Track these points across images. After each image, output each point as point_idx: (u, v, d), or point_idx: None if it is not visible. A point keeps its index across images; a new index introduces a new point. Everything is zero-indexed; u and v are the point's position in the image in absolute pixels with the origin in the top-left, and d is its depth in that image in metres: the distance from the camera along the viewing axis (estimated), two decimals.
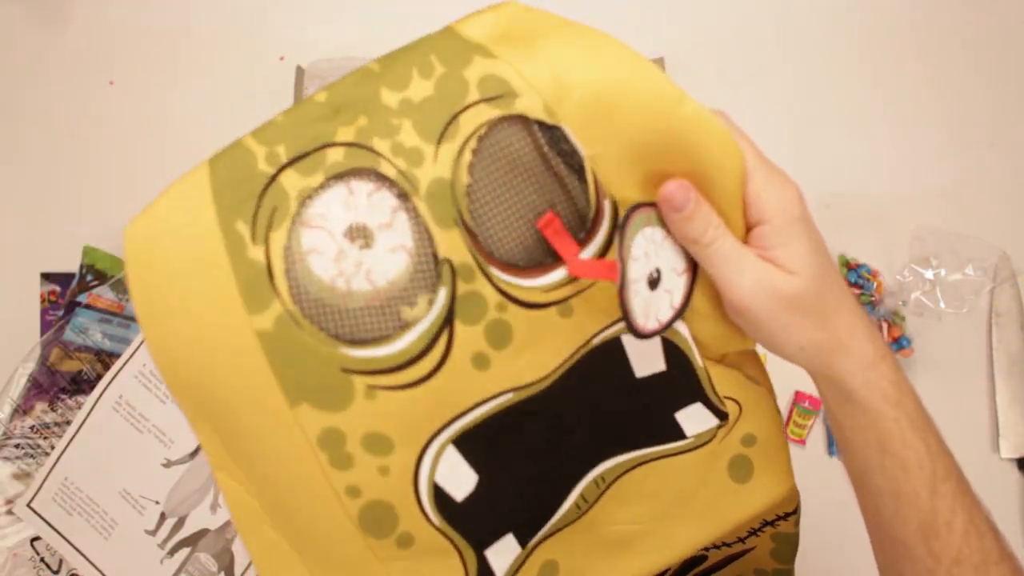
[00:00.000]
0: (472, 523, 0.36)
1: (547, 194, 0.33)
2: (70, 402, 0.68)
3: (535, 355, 0.35)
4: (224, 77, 0.74)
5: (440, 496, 0.35)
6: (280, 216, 0.31)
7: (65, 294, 0.71)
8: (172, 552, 0.65)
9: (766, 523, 0.47)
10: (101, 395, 0.65)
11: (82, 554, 0.65)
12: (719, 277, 0.36)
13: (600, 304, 0.36)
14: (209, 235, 0.31)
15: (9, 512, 0.67)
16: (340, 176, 0.31)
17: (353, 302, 0.32)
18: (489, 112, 0.32)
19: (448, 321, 0.33)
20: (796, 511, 0.46)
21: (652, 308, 0.36)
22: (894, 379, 0.37)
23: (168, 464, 0.65)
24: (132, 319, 0.69)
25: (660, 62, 0.74)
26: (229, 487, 0.34)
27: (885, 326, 0.72)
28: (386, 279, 0.32)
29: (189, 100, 0.74)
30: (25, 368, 0.68)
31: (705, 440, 0.41)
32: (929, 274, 0.69)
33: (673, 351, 0.39)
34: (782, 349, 0.37)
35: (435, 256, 0.32)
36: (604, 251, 0.35)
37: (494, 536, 0.37)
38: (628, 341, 0.38)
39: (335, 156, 0.32)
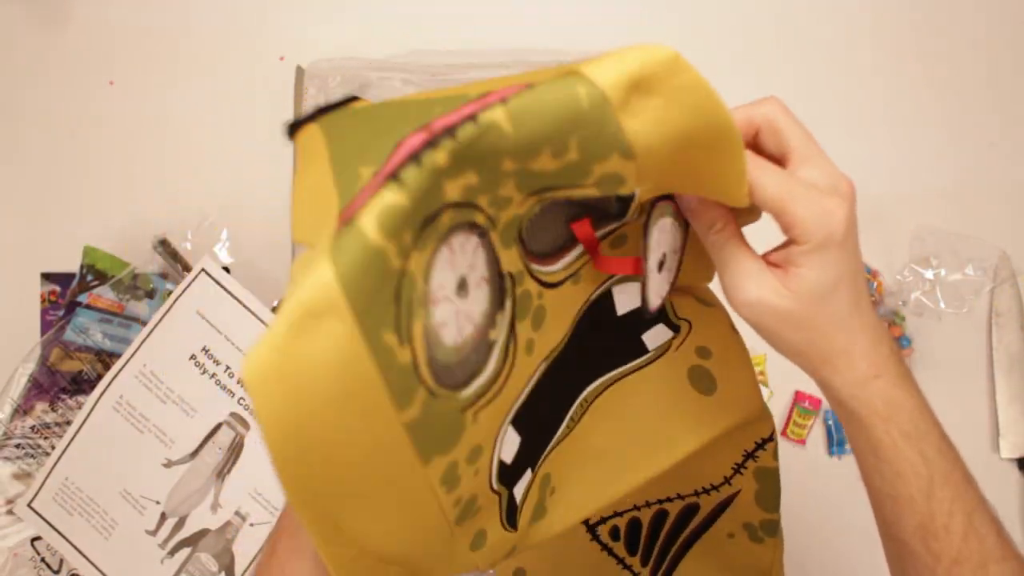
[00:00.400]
0: (513, 474, 0.41)
1: (591, 208, 0.36)
2: (70, 402, 0.68)
3: (557, 323, 0.39)
4: (224, 77, 0.74)
5: (501, 468, 0.39)
6: (417, 306, 0.29)
7: (65, 294, 0.71)
8: (172, 552, 0.65)
9: (747, 455, 0.50)
10: (101, 395, 0.65)
11: (82, 554, 0.66)
12: (726, 280, 0.38)
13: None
14: (358, 361, 0.27)
15: (10, 512, 0.67)
16: (443, 238, 0.30)
17: (465, 350, 0.32)
18: (592, 192, 0.32)
19: (511, 329, 0.35)
20: (772, 438, 0.49)
21: (659, 287, 0.40)
22: (887, 396, 0.38)
23: (168, 464, 0.65)
24: (132, 319, 0.69)
25: None
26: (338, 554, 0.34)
27: (885, 326, 0.72)
28: (480, 313, 0.33)
29: (189, 100, 0.74)
30: (25, 368, 0.68)
31: (662, 351, 0.46)
32: (929, 274, 0.69)
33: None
34: (780, 347, 0.39)
35: (501, 275, 0.34)
36: (614, 231, 0.39)
37: (521, 475, 0.42)
38: (616, 290, 0.42)
39: (446, 220, 0.29)
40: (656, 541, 0.58)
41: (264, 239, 0.71)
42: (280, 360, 0.26)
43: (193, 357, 0.65)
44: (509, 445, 0.39)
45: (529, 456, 0.42)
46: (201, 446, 0.65)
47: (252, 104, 0.73)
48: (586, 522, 0.57)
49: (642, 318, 0.43)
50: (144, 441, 0.65)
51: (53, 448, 0.66)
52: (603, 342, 0.44)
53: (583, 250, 0.38)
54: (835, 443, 0.73)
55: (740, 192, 0.35)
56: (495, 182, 0.30)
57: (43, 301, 0.72)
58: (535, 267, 0.36)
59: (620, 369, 0.46)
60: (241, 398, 0.65)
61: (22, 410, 0.67)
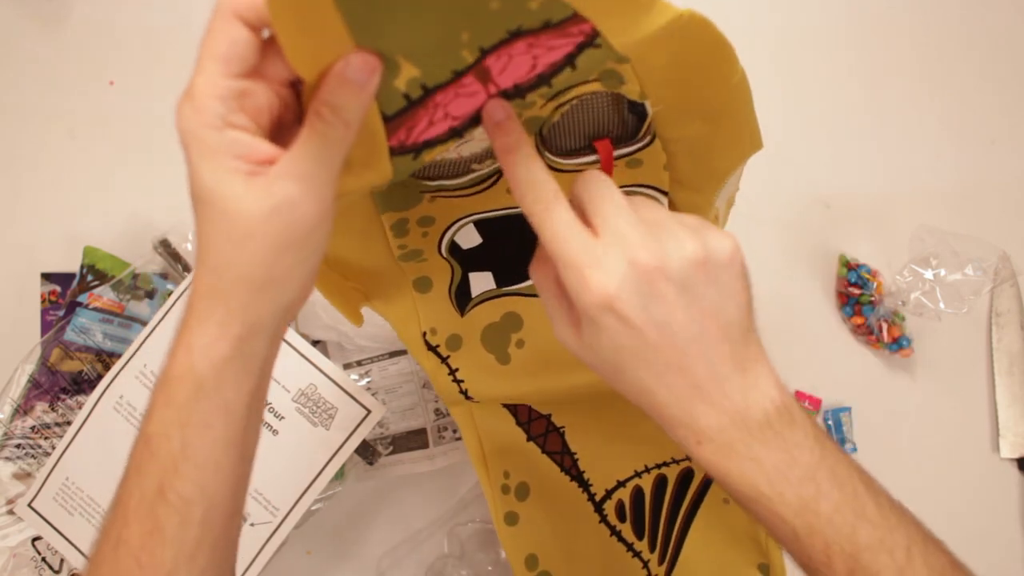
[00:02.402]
0: (467, 259, 0.50)
1: (612, 128, 0.43)
2: (70, 402, 0.68)
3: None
4: None
5: (453, 246, 0.50)
6: None
7: (65, 294, 0.71)
8: None
9: None
10: (102, 395, 0.65)
11: (83, 554, 0.66)
12: (568, 277, 0.34)
13: (616, 178, 0.45)
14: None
15: (10, 512, 0.67)
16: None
17: (444, 164, 0.43)
18: (597, 87, 0.37)
19: (499, 172, 0.44)
20: None
21: None
22: (714, 467, 0.34)
23: None
24: (133, 319, 0.69)
25: None
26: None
27: (885, 326, 0.72)
28: (470, 152, 0.42)
29: None
30: (25, 368, 0.68)
31: None
32: (929, 274, 0.69)
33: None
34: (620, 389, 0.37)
35: None
36: (632, 153, 0.44)
37: (479, 267, 0.51)
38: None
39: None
40: (660, 517, 0.60)
41: None
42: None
43: None
44: (466, 236, 0.49)
45: (490, 264, 0.51)
46: None
47: None
48: (592, 498, 0.60)
49: None
50: None
51: (53, 448, 0.66)
52: None
53: (596, 159, 0.44)
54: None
55: (749, 127, 0.41)
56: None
57: (43, 301, 0.72)
58: (547, 154, 0.43)
59: None
60: None
61: (22, 410, 0.67)
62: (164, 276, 0.70)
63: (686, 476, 0.59)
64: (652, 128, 0.41)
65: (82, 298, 0.68)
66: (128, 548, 0.32)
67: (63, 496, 0.65)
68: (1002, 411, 0.74)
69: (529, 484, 0.59)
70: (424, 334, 0.54)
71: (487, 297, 0.52)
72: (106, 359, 0.68)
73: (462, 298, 0.53)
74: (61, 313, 0.69)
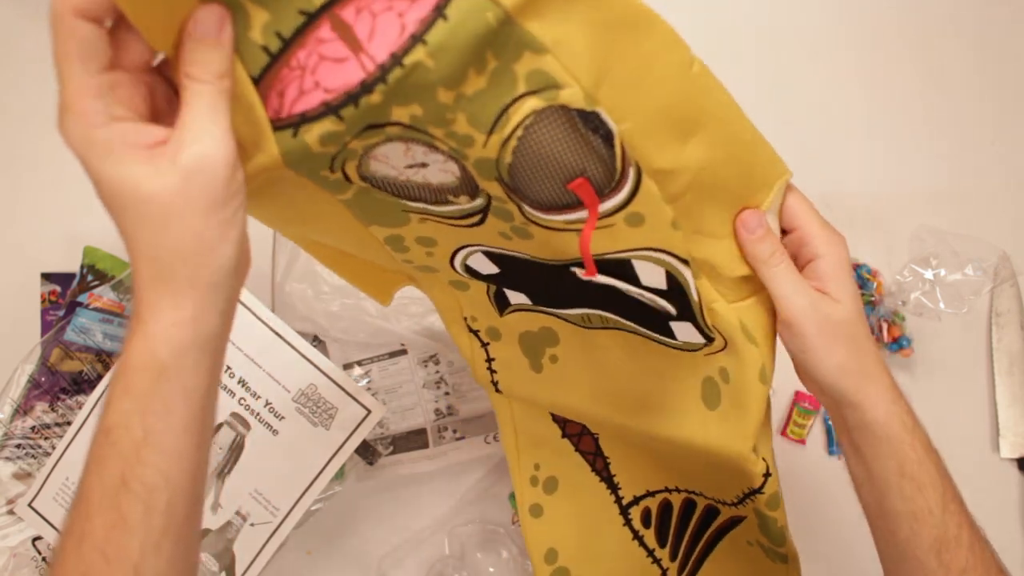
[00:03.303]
0: (491, 281, 0.48)
1: (580, 164, 0.37)
2: (70, 402, 0.68)
3: (550, 250, 0.43)
4: None
5: (470, 270, 0.47)
6: (351, 157, 0.36)
7: (65, 294, 0.71)
8: None
9: (746, 494, 0.53)
10: (102, 395, 0.65)
11: None
12: (780, 295, 0.43)
13: (620, 238, 0.41)
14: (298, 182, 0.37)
15: (10, 512, 0.67)
16: (399, 138, 0.35)
17: (412, 183, 0.39)
18: (535, 103, 0.34)
19: (484, 211, 0.41)
20: (762, 491, 0.51)
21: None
22: (909, 410, 0.43)
23: None
24: None
25: None
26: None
27: (885, 326, 0.72)
28: (438, 182, 0.39)
29: None
30: (25, 368, 0.68)
31: (691, 348, 0.47)
32: (929, 274, 0.69)
33: (673, 281, 0.44)
34: (821, 366, 0.43)
35: (477, 186, 0.39)
36: (626, 203, 0.39)
37: (511, 288, 0.49)
38: (638, 265, 0.43)
39: (393, 131, 0.35)
40: (684, 533, 0.59)
41: (264, 239, 0.71)
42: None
43: None
44: (481, 263, 0.47)
45: (520, 287, 0.49)
46: None
47: None
48: (619, 500, 0.59)
49: (670, 303, 0.44)
50: None
51: (53, 448, 0.66)
52: (627, 297, 0.45)
53: (586, 216, 0.40)
54: (835, 443, 0.73)
55: (732, 108, 0.39)
56: (440, 113, 0.34)
57: (43, 301, 0.72)
58: (529, 209, 0.39)
59: (647, 331, 0.48)
60: (241, 398, 0.65)
61: (22, 410, 0.67)
62: None
63: (712, 511, 0.57)
64: (629, 158, 0.37)
65: (82, 298, 0.68)
66: (93, 541, 0.32)
67: (63, 496, 0.65)
68: (1002, 411, 0.74)
69: (558, 479, 0.59)
70: (465, 318, 0.53)
71: (524, 308, 0.51)
72: (106, 359, 0.68)
73: (500, 302, 0.51)
74: (61, 313, 0.69)
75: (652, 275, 0.43)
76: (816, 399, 0.70)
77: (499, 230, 0.42)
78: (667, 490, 0.58)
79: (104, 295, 0.69)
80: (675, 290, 0.43)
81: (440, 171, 0.38)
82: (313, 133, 0.33)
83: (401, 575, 0.71)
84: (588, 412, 0.54)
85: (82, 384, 0.68)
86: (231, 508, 0.65)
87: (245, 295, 0.65)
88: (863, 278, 0.72)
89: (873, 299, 0.72)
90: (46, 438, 0.67)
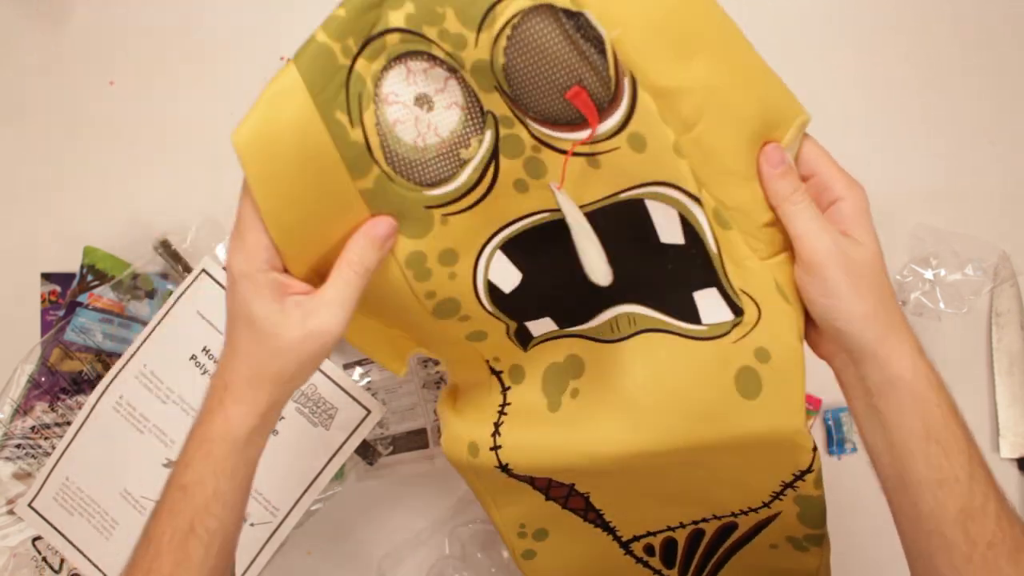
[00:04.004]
0: (516, 308, 0.47)
1: (574, 71, 0.38)
2: (70, 402, 0.68)
3: (567, 190, 0.42)
4: (224, 77, 0.74)
5: (493, 290, 0.46)
6: (366, 100, 0.39)
7: (65, 294, 0.71)
8: None
9: (786, 485, 0.49)
10: (101, 395, 0.65)
11: (83, 554, 0.66)
12: (800, 235, 0.41)
13: (627, 167, 0.42)
14: (314, 127, 0.38)
15: (10, 512, 0.67)
16: (399, 58, 0.39)
17: (428, 154, 0.41)
18: (521, 3, 0.37)
19: (494, 155, 0.42)
20: (811, 469, 0.48)
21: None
22: (934, 371, 0.41)
23: (169, 464, 0.65)
24: (132, 319, 0.69)
25: None
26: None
27: None
28: (448, 130, 0.41)
29: (189, 100, 0.74)
30: (25, 368, 0.68)
31: (719, 333, 0.45)
32: (929, 274, 0.69)
33: (689, 229, 0.43)
34: (845, 312, 0.40)
35: (481, 109, 0.40)
36: (626, 120, 0.40)
37: (533, 316, 0.48)
38: (651, 206, 0.43)
39: (392, 40, 0.38)
40: (693, 558, 0.57)
41: None
42: (258, 126, 0.38)
43: (193, 357, 0.65)
44: (503, 274, 0.46)
45: (543, 307, 0.48)
46: None
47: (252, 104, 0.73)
48: (619, 539, 0.57)
49: (690, 266, 0.44)
50: (144, 441, 0.65)
51: (53, 448, 0.66)
52: (647, 263, 0.45)
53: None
54: (835, 443, 0.73)
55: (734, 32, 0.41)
56: (430, 8, 0.37)
57: (43, 301, 0.72)
58: (535, 125, 0.40)
59: (670, 321, 0.46)
60: None
61: (22, 410, 0.67)
62: (164, 276, 0.70)
63: (728, 528, 0.54)
64: (623, 69, 0.38)
65: (82, 298, 0.69)
66: None
67: (63, 496, 0.65)
68: (1002, 411, 0.74)
69: (548, 530, 0.56)
70: (488, 361, 0.51)
71: (551, 337, 0.50)
72: (106, 359, 0.68)
73: (523, 339, 0.50)
74: (61, 313, 0.69)
75: (668, 224, 0.43)
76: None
77: (514, 178, 0.42)
78: (670, 528, 0.55)
79: (104, 295, 0.69)
80: (691, 238, 0.43)
81: (446, 108, 0.40)
82: (320, 25, 0.37)
83: (401, 575, 0.71)
84: (599, 450, 0.48)
85: (82, 384, 0.68)
86: None
87: None
88: None
89: None
90: (46, 438, 0.67)
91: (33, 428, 0.67)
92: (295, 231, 0.40)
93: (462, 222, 0.43)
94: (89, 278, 0.70)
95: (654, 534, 0.56)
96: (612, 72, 0.38)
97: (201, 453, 0.41)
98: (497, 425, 0.51)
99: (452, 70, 0.39)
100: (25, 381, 0.68)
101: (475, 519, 0.71)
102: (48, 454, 0.67)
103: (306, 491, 0.64)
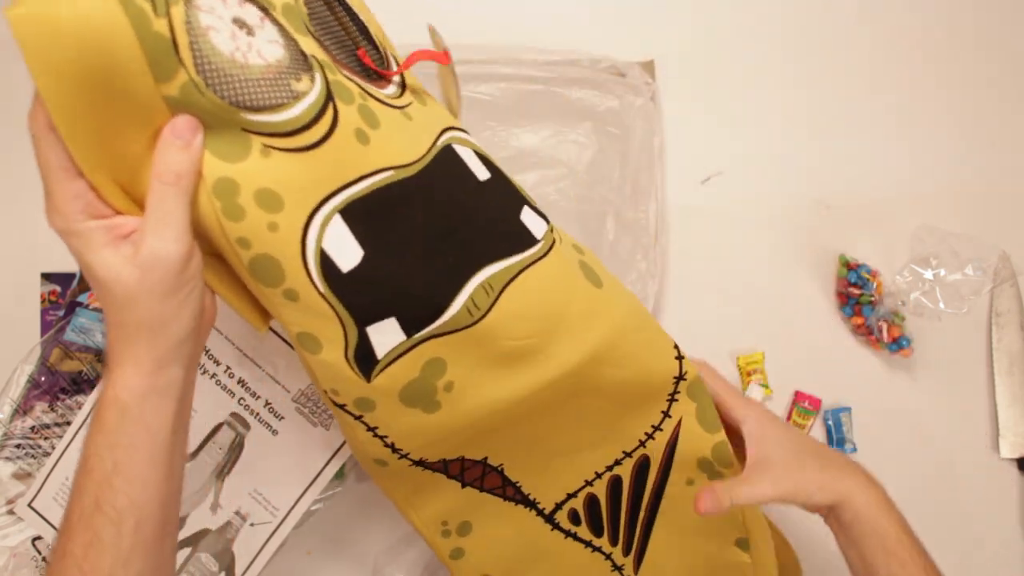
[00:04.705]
0: (355, 296, 0.40)
1: (352, 31, 0.41)
2: (70, 402, 0.68)
3: (402, 142, 0.42)
4: None
5: (326, 263, 0.39)
6: None
7: (65, 294, 0.71)
8: None
9: (671, 395, 0.53)
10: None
11: None
12: (752, 503, 0.51)
13: (425, 119, 0.44)
14: (110, 10, 0.32)
15: (10, 512, 0.67)
16: None
17: (251, 73, 0.36)
18: None
19: (330, 98, 0.38)
20: (683, 377, 0.52)
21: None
22: (883, 498, 0.51)
23: None
24: None
25: (651, 65, 0.74)
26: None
27: (885, 326, 0.72)
28: (275, 58, 0.37)
29: None
30: (25, 368, 0.68)
31: (550, 242, 0.47)
32: (929, 274, 0.69)
33: (486, 161, 0.47)
34: (808, 497, 0.51)
35: (302, 52, 0.38)
36: (403, 80, 0.45)
37: (377, 315, 0.41)
38: (459, 150, 0.45)
39: None
40: (619, 514, 0.57)
41: None
42: (44, 2, 0.32)
43: None
44: (341, 247, 0.40)
45: (388, 302, 0.42)
46: (201, 446, 0.65)
47: None
48: (541, 512, 0.56)
49: (506, 195, 0.47)
50: None
51: (53, 448, 0.66)
52: (481, 210, 0.45)
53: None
54: (835, 443, 0.73)
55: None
56: None
57: (43, 301, 0.72)
58: (349, 75, 0.40)
59: (518, 258, 0.46)
60: (241, 398, 0.65)
61: (22, 410, 0.67)
62: None
63: (643, 466, 0.55)
64: (383, 44, 0.44)
65: (82, 298, 0.68)
66: (73, 558, 0.38)
67: (63, 496, 0.65)
68: (1002, 411, 0.74)
69: (471, 521, 0.56)
70: (326, 391, 0.44)
71: (398, 355, 0.43)
72: (106, 359, 0.68)
73: (365, 363, 0.42)
74: (61, 313, 0.69)
75: (474, 162, 0.46)
76: (814, 400, 0.70)
77: (354, 126, 0.39)
78: (587, 483, 0.56)
79: None
80: (495, 173, 0.47)
81: (268, 42, 0.37)
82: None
83: (398, 573, 0.71)
84: (501, 405, 0.47)
85: (82, 384, 0.68)
86: (231, 508, 0.65)
87: None
88: (863, 278, 0.72)
89: (873, 299, 0.72)
90: (46, 438, 0.67)
91: (33, 428, 0.67)
92: (96, 148, 0.35)
93: (290, 164, 0.37)
94: None
95: (574, 495, 0.56)
96: (382, 49, 0.42)
97: (95, 427, 0.39)
98: (383, 439, 0.47)
99: (264, 9, 0.38)
100: (25, 381, 0.68)
101: None
102: (48, 454, 0.67)
103: (306, 491, 0.64)
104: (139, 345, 0.38)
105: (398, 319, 0.42)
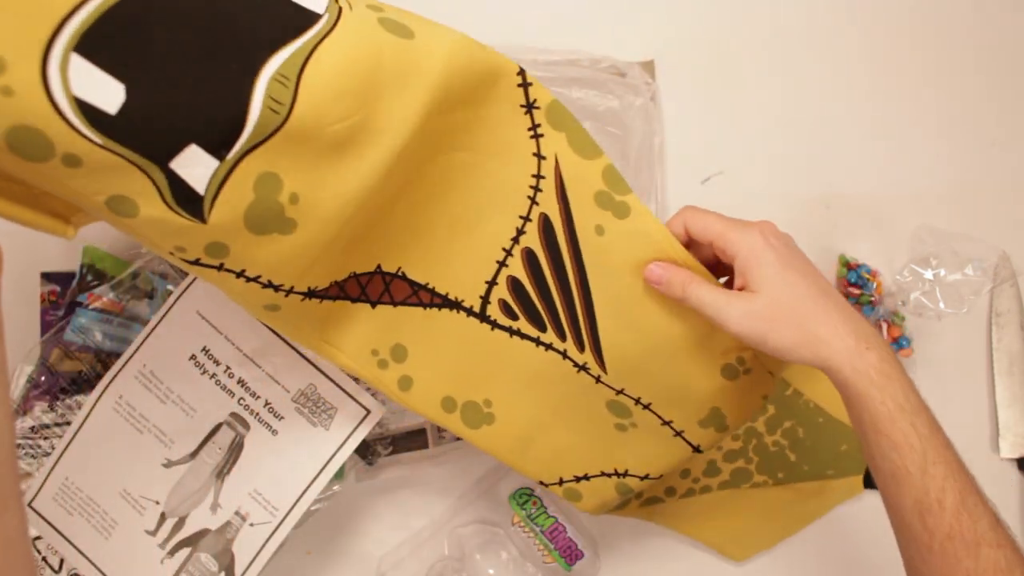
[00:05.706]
0: (139, 135, 0.36)
1: None
2: (70, 402, 0.68)
3: None
4: None
5: (89, 111, 0.34)
6: None
7: (65, 294, 0.71)
8: (172, 552, 0.65)
9: (526, 108, 0.47)
10: (101, 395, 0.65)
11: (83, 554, 0.66)
12: (712, 318, 0.47)
13: None
14: None
15: None
16: None
17: None
18: None
19: None
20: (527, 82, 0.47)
21: None
22: (880, 368, 0.44)
23: (168, 464, 0.65)
24: (132, 319, 0.69)
25: (651, 65, 0.74)
26: None
27: (885, 326, 0.72)
28: None
29: None
30: (25, 368, 0.68)
31: (336, 13, 0.41)
32: (929, 274, 0.69)
33: None
34: (780, 351, 0.45)
35: None
36: None
37: (172, 147, 0.37)
38: None
39: None
40: (551, 295, 0.51)
41: None
42: None
43: (193, 357, 0.65)
44: (96, 87, 0.34)
45: (182, 129, 0.37)
46: (201, 446, 0.65)
47: None
48: (472, 312, 0.52)
49: None
50: (144, 441, 0.65)
51: (53, 448, 0.66)
52: (243, 7, 0.39)
53: None
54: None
55: None
56: None
57: (43, 301, 0.72)
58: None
59: (303, 40, 0.40)
60: (240, 398, 0.64)
61: (22, 410, 0.67)
62: (164, 276, 0.70)
63: (547, 228, 0.50)
64: None
65: (82, 298, 0.68)
66: None
67: (63, 496, 0.65)
68: (1002, 411, 0.74)
69: (402, 343, 0.52)
70: (171, 252, 0.41)
71: (220, 183, 0.39)
72: (106, 359, 0.68)
73: (191, 204, 0.39)
74: (61, 313, 0.69)
75: None
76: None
77: None
78: (501, 264, 0.51)
79: (104, 295, 0.69)
80: None
81: None
82: None
83: (401, 575, 0.71)
84: (364, 208, 0.44)
85: (81, 384, 0.68)
86: (230, 508, 0.65)
87: None
88: (863, 278, 0.72)
89: (873, 299, 0.72)
90: (45, 438, 0.67)
91: (33, 428, 0.67)
92: None
93: None
94: (89, 278, 0.70)
95: (494, 281, 0.51)
96: None
97: None
98: (257, 278, 0.44)
99: None
100: (24, 381, 0.68)
101: (474, 519, 0.71)
102: (48, 454, 0.67)
103: (306, 491, 0.64)
104: None
105: (199, 144, 0.37)
